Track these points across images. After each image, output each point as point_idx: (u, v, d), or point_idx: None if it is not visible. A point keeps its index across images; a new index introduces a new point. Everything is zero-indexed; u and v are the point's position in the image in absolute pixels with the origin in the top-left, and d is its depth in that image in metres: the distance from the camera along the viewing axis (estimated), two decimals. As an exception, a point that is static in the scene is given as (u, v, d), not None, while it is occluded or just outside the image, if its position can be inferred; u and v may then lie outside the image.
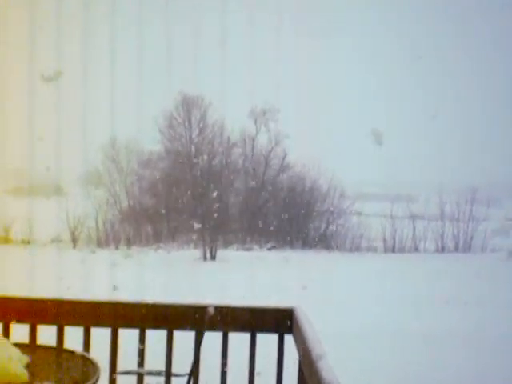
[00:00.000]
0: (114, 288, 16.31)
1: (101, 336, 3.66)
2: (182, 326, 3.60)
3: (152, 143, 33.00)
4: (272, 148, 33.24)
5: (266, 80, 31.26)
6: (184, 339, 3.68)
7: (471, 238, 31.79)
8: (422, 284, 20.19)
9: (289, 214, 31.70)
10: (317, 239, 32.06)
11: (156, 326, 3.62)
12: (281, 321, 3.55)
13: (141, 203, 33.37)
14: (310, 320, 3.23)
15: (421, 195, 33.57)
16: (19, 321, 3.58)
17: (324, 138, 33.24)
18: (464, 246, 31.78)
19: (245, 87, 30.67)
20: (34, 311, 3.59)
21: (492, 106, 35.17)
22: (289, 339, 3.50)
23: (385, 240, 31.29)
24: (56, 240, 30.04)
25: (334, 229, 32.85)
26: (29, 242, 29.48)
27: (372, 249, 31.06)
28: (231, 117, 31.45)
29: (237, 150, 33.57)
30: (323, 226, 32.97)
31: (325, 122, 34.39)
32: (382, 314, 14.94)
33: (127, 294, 14.12)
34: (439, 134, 33.27)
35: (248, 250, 29.84)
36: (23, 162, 31.41)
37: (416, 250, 31.37)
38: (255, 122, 33.03)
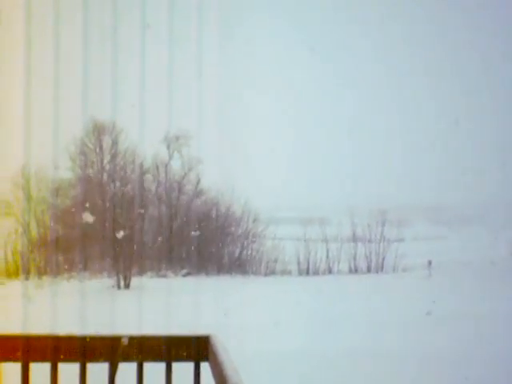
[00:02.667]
0: (26, 320, 15.82)
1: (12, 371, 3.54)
2: (96, 358, 3.51)
3: (63, 171, 32.41)
4: (185, 174, 33.18)
5: (179, 106, 31.27)
6: (100, 371, 3.60)
7: (383, 258, 32.50)
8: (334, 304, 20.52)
9: (203, 240, 31.65)
10: (232, 264, 32.08)
11: (69, 360, 3.51)
12: (197, 349, 3.52)
13: (51, 232, 32.59)
14: (226, 347, 3.21)
15: (333, 218, 34.14)
16: None
17: (237, 163, 33.46)
18: (376, 266, 32.44)
19: (157, 113, 30.58)
20: None
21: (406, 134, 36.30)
22: (205, 367, 3.47)
23: (299, 263, 31.61)
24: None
25: (249, 253, 32.97)
26: None
27: (287, 272, 31.33)
28: (144, 143, 31.27)
29: (150, 177, 33.34)
30: (238, 250, 33.05)
31: (238, 148, 34.62)
32: (298, 337, 15.05)
33: (39, 326, 13.72)
34: (351, 157, 34.03)
35: (163, 276, 29.57)
36: None
37: (330, 271, 31.82)
38: (168, 148, 32.95)
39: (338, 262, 32.15)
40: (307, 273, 31.37)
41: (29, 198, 32.82)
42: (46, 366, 3.50)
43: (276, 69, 35.18)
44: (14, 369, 3.49)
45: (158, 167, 33.22)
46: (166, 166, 33.26)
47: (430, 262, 29.96)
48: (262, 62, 35.21)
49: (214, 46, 31.28)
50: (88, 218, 28.92)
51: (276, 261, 31.93)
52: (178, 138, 32.50)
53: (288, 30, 34.74)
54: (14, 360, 3.47)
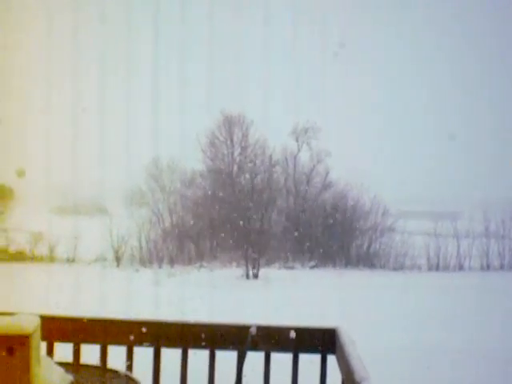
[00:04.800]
0: (157, 307, 16.38)
1: (143, 355, 3.66)
2: (225, 346, 3.58)
3: (194, 162, 33.26)
4: (314, 166, 33.16)
5: (308, 98, 31.36)
6: (226, 359, 3.66)
7: (517, 255, 31.24)
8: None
9: (331, 232, 31.56)
10: (360, 258, 31.82)
11: (198, 346, 3.60)
12: (324, 341, 3.52)
13: (183, 222, 33.53)
14: (354, 340, 3.19)
15: (464, 212, 33.11)
16: (63, 340, 3.61)
17: (366, 155, 33.13)
18: (510, 263, 31.21)
19: (287, 106, 30.81)
20: (78, 330, 3.61)
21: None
22: (331, 360, 3.46)
23: (429, 258, 30.87)
24: (100, 259, 30.34)
25: (378, 247, 32.54)
26: (73, 261, 29.82)
27: (416, 267, 30.67)
28: (273, 135, 31.54)
29: (279, 169, 33.58)
30: (366, 244, 32.69)
31: (367, 140, 34.28)
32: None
33: (171, 313, 14.17)
34: (486, 150, 32.96)
35: (290, 268, 29.74)
36: (68, 182, 31.90)
37: (461, 268, 30.89)
38: (297, 141, 33.05)
39: (470, 258, 31.17)
40: (437, 268, 30.61)
41: (162, 188, 33.92)
42: (175, 352, 3.60)
43: (402, 59, 34.52)
44: (144, 352, 3.62)
45: (287, 159, 33.41)
46: (295, 158, 33.39)
47: None
48: (386, 55, 34.69)
49: (341, 39, 31.12)
50: (218, 208, 29.49)
51: (405, 255, 31.37)
52: (306, 131, 32.56)
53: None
54: (144, 344, 3.60)
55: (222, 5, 29.33)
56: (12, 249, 30.49)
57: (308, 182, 33.35)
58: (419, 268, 30.63)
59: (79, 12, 30.24)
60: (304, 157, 33.28)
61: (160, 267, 30.10)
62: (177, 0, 27.89)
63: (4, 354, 2.41)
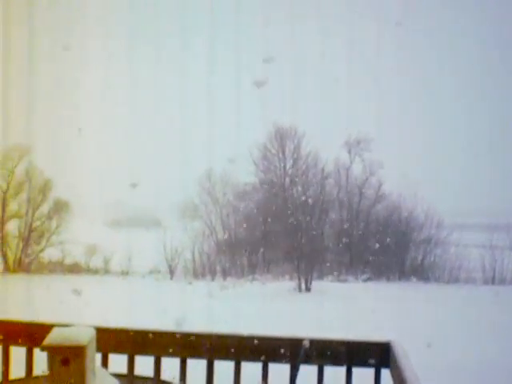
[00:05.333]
0: (210, 319, 16.43)
1: (194, 367, 3.68)
2: (277, 359, 3.57)
3: (247, 175, 33.38)
4: (367, 178, 32.94)
5: (360, 110, 31.20)
6: (278, 372, 3.65)
7: None
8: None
9: (384, 245, 31.26)
10: (414, 270, 31.42)
11: (251, 359, 3.60)
12: (378, 354, 3.48)
13: (236, 234, 33.66)
14: (408, 354, 3.15)
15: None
16: (118, 351, 3.65)
17: (420, 166, 32.76)
18: None
19: (338, 118, 30.71)
20: (132, 342, 3.65)
21: None
22: (385, 374, 3.42)
23: (484, 271, 30.30)
24: (154, 271, 30.67)
25: (432, 259, 32.08)
26: (127, 273, 30.19)
27: (471, 280, 30.12)
28: (325, 147, 31.44)
29: (331, 181, 33.46)
30: (420, 256, 32.27)
31: (420, 151, 33.91)
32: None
33: (224, 326, 14.21)
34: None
35: (343, 281, 29.54)
36: (122, 196, 32.35)
37: (518, 281, 30.24)
38: (349, 152, 32.89)
39: (528, 272, 30.48)
40: (493, 282, 30.01)
41: (214, 201, 34.12)
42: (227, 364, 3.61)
43: (465, 69, 34.05)
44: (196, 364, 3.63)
45: (339, 171, 33.27)
46: (348, 170, 33.23)
47: None
48: (444, 62, 34.27)
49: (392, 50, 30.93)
50: (271, 221, 29.49)
51: (460, 268, 30.84)
52: (359, 143, 32.39)
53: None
54: (198, 356, 3.62)
55: (277, 11, 29.49)
56: (67, 261, 31.05)
57: (361, 193, 33.15)
58: (474, 281, 30.08)
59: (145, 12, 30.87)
60: (357, 168, 33.11)
61: (213, 280, 30.25)
62: (231, 9, 28.07)
63: (60, 364, 2.45)
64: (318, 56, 31.73)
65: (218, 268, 32.17)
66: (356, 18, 29.55)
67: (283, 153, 33.54)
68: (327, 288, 26.85)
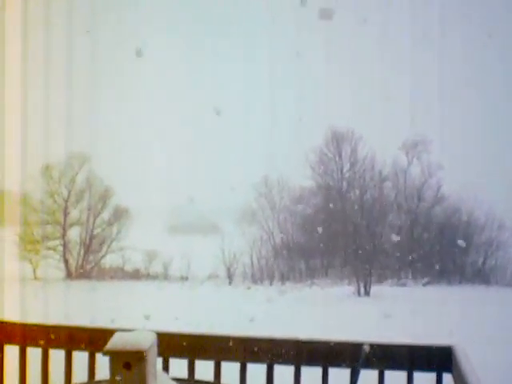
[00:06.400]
0: (270, 324, 16.47)
1: (256, 372, 3.68)
2: (337, 364, 3.55)
3: (303, 179, 33.29)
4: (425, 180, 32.48)
5: (417, 111, 30.81)
6: (337, 377, 3.63)
7: None
8: None
9: (444, 248, 30.78)
10: (475, 274, 30.85)
11: (310, 363, 3.59)
12: (439, 359, 3.44)
13: (294, 239, 33.63)
14: (470, 359, 3.10)
15: None
16: (178, 356, 3.68)
17: (480, 167, 32.15)
18: None
19: (394, 120, 30.39)
20: (193, 347, 3.68)
21: None
22: (447, 378, 3.37)
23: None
24: (212, 276, 30.85)
25: (493, 262, 31.44)
26: (187, 279, 30.44)
27: (535, 283, 29.44)
28: (382, 150, 31.15)
29: (388, 184, 33.13)
30: (481, 259, 31.65)
31: (479, 151, 33.27)
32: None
33: (283, 330, 14.21)
34: None
35: (402, 285, 29.20)
36: (180, 201, 32.66)
37: None
38: (407, 155, 32.49)
39: None
40: (558, 284, 29.31)
41: (272, 205, 34.16)
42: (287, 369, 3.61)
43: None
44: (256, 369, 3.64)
45: (397, 174, 32.90)
46: (405, 172, 32.84)
47: None
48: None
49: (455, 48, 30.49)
50: (328, 225, 29.44)
51: (523, 271, 30.20)
52: (416, 145, 31.97)
53: None
54: (257, 361, 3.63)
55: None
56: (127, 267, 31.50)
57: (419, 196, 32.71)
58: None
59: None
60: (415, 171, 32.68)
61: (271, 284, 30.27)
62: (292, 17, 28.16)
63: (122, 369, 2.49)
64: (377, 58, 31.53)
65: (276, 273, 32.16)
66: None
67: (340, 156, 33.38)
68: (386, 292, 26.59)
